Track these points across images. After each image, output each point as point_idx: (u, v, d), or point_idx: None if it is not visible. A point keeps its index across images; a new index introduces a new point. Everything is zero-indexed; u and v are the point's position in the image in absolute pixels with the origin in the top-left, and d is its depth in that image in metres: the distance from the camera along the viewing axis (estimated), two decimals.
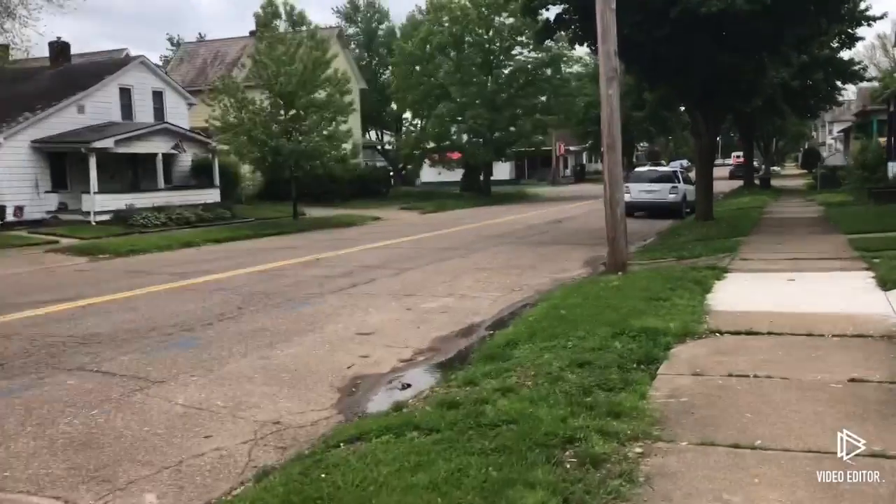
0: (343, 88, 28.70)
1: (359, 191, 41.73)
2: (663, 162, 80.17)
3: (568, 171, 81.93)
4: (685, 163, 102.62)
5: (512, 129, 45.01)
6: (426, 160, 50.36)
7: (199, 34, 43.64)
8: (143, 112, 31.19)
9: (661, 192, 26.78)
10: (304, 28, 29.52)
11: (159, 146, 29.25)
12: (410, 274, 13.84)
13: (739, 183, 48.08)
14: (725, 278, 10.86)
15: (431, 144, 46.62)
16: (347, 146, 29.01)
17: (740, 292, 9.67)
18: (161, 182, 29.61)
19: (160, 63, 54.42)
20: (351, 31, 57.66)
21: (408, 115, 55.21)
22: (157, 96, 32.15)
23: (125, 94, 30.54)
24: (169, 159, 30.95)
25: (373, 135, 60.37)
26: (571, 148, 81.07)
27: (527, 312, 9.38)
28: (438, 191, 49.19)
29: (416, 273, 13.94)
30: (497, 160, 49.54)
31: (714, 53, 17.41)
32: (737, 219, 20.93)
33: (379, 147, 58.33)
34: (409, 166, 58.55)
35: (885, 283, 9.43)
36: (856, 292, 9.28)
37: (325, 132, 28.17)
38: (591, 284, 10.58)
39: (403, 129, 52.98)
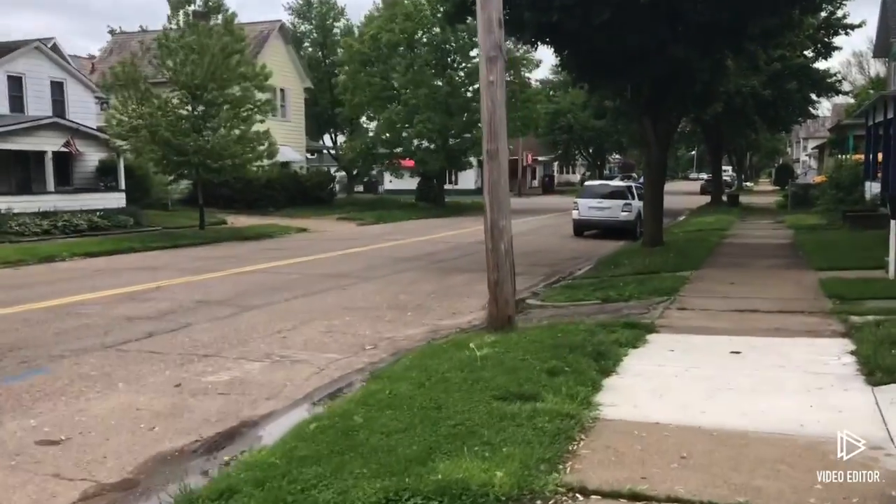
0: (260, 83, 25.30)
1: (298, 197, 38.33)
2: (635, 175, 77.65)
3: (535, 182, 79.03)
4: None
5: (466, 135, 41.83)
6: (375, 166, 46.96)
7: (141, 26, 39.80)
8: (39, 104, 27.61)
9: (613, 210, 23.69)
10: (220, 15, 26.12)
11: (49, 143, 25.64)
12: (248, 316, 10.51)
13: (709, 198, 45.08)
14: (645, 345, 7.67)
15: (382, 150, 43.33)
16: (263, 147, 25.54)
17: (656, 378, 6.46)
18: (51, 184, 25.97)
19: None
20: (304, 27, 54.24)
21: (364, 118, 51.92)
22: (57, 87, 28.59)
23: (15, 83, 26.95)
24: (67, 159, 27.35)
25: (327, 139, 56.98)
26: (540, 158, 78.33)
27: (325, 409, 6.09)
28: (393, 199, 45.95)
29: (257, 315, 10.61)
30: (450, 168, 46.33)
31: (663, 47, 14.32)
32: (691, 245, 17.84)
33: (332, 151, 54.88)
34: (368, 172, 55.18)
35: (873, 370, 6.26)
36: (827, 384, 6.10)
37: (236, 131, 24.73)
38: (450, 351, 7.32)
39: (353, 132, 49.52)
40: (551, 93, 71.91)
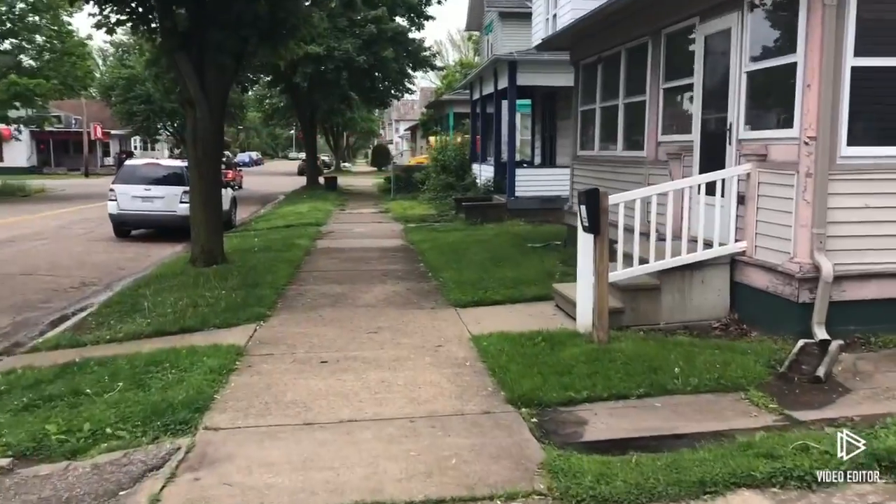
0: None
1: None
2: (229, 154, 70.14)
3: (110, 160, 67.12)
4: (255, 155, 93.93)
5: None
6: None
7: None
8: None
9: (168, 201, 16.68)
10: None
11: None
12: None
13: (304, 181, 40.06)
14: None
15: None
16: None
17: None
18: None
19: None
20: None
21: None
22: None
23: None
24: None
25: None
26: (114, 132, 66.72)
27: None
28: None
29: None
30: None
31: None
32: (268, 257, 11.80)
33: None
34: None
35: None
36: None
37: None
38: None
39: None
40: (125, 56, 61.42)
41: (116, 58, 66.30)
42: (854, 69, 5.93)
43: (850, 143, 6.02)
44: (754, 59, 6.90)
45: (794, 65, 6.16)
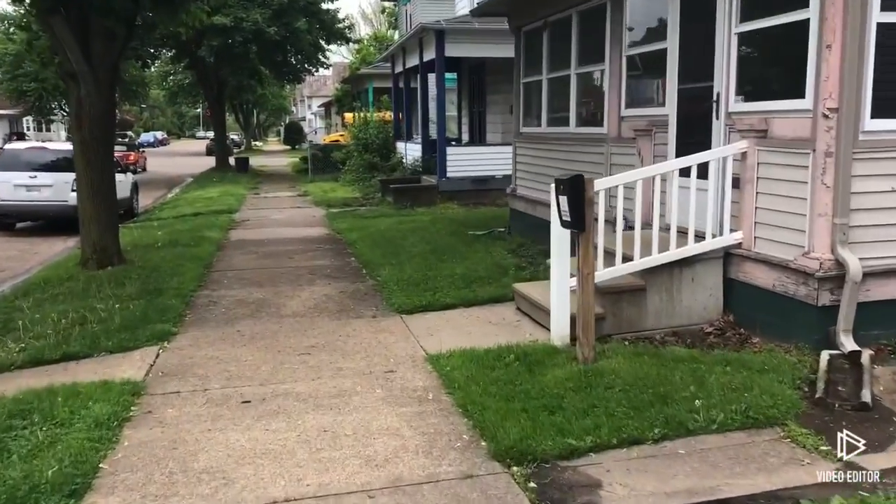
0: None
1: None
2: (131, 134, 66.04)
3: None
4: (160, 135, 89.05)
5: None
6: None
7: None
8: None
9: (57, 189, 14.76)
10: None
11: None
12: None
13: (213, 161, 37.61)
14: None
15: None
16: None
17: None
18: None
19: None
20: None
21: None
22: None
23: None
24: None
25: None
26: (3, 111, 61.90)
27: None
28: None
29: None
30: None
31: None
32: (174, 254, 10.23)
33: None
34: None
35: None
36: None
37: None
38: None
39: None
40: (11, 30, 56.80)
41: (2, 32, 61.64)
42: (880, 26, 4.98)
43: (875, 115, 5.08)
44: (748, 18, 5.89)
45: (806, 21, 5.17)
